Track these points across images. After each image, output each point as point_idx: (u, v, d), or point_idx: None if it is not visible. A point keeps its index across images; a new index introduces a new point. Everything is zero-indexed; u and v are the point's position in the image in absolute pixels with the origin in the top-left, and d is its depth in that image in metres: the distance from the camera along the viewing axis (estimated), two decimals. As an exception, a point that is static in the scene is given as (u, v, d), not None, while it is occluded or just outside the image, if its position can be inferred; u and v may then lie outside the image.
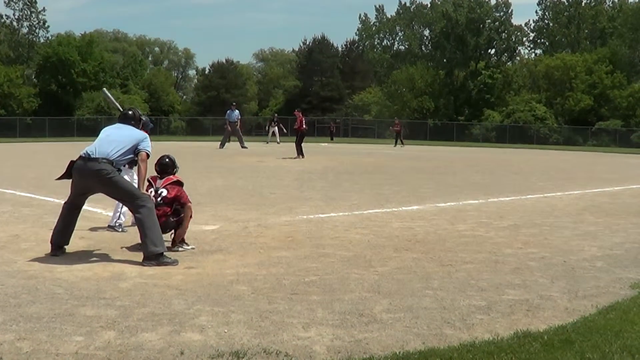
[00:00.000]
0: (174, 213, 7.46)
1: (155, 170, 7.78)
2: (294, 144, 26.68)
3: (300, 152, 25.85)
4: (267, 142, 40.71)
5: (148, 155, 7.25)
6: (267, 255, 7.40)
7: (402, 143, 43.73)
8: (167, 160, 7.89)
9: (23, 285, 5.85)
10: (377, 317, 5.09)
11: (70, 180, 7.24)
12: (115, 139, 7.22)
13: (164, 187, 7.55)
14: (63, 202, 7.43)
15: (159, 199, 7.38)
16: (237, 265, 6.83)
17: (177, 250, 7.39)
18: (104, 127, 7.76)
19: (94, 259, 7.04)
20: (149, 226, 6.87)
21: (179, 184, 7.67)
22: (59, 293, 5.63)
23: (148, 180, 7.47)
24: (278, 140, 40.52)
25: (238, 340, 4.47)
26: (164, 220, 7.22)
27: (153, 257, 6.75)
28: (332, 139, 56.08)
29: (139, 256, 7.00)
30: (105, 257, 7.13)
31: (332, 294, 5.74)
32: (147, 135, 7.57)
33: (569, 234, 9.19)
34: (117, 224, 8.72)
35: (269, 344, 4.40)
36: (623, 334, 4.57)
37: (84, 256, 7.15)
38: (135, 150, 7.23)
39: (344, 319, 5.02)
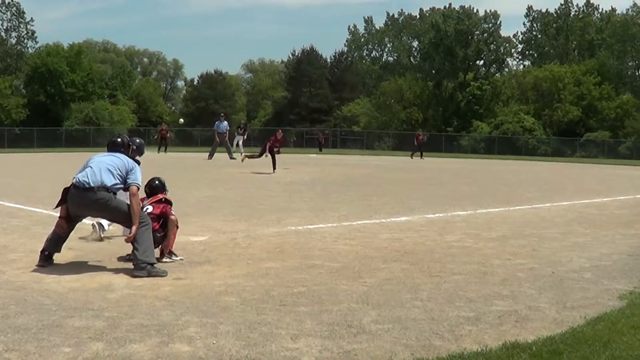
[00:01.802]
0: (161, 227, 7.44)
1: (145, 192, 7.76)
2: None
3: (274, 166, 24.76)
4: (242, 154, 37.07)
5: (138, 188, 7.18)
6: (255, 266, 7.39)
7: (421, 155, 43.57)
8: (157, 182, 7.89)
9: (11, 296, 5.82)
10: (365, 328, 5.09)
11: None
12: (106, 167, 7.14)
13: (150, 204, 7.53)
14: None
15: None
16: (225, 277, 6.82)
17: (166, 262, 7.37)
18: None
19: (82, 269, 7.00)
20: (143, 239, 6.91)
21: (167, 202, 7.63)
22: (47, 304, 5.60)
23: None
24: (242, 151, 37.65)
25: (227, 352, 4.47)
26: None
27: (143, 266, 6.74)
28: (320, 150, 56.03)
29: (127, 267, 6.99)
30: (93, 268, 7.10)
31: (320, 305, 5.74)
32: (137, 164, 7.49)
33: (557, 245, 9.23)
34: (100, 226, 8.63)
35: (258, 355, 4.40)
36: (611, 344, 4.59)
37: (72, 267, 7.12)
38: (124, 180, 7.17)
39: (332, 330, 5.01)
